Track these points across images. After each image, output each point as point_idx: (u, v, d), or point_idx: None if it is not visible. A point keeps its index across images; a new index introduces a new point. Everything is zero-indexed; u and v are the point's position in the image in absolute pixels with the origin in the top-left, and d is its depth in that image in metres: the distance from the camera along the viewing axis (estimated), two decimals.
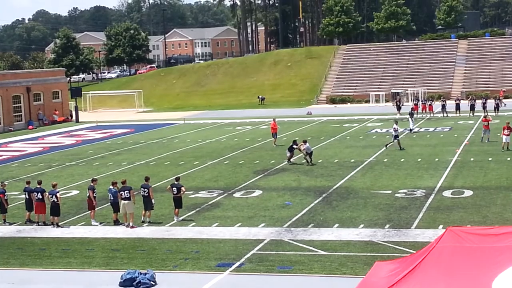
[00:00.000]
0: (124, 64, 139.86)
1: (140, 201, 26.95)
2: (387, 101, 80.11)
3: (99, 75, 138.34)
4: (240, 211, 27.75)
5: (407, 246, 21.46)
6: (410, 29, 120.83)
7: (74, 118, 78.06)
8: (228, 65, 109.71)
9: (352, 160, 39.27)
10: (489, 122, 44.67)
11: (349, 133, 52.80)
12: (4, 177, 38.36)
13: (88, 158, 46.01)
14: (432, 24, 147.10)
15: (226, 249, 22.40)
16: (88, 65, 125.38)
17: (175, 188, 26.51)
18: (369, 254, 20.96)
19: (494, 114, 59.10)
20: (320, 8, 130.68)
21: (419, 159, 38.50)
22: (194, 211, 27.99)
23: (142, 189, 26.56)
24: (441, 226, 23.49)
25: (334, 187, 31.81)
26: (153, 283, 19.31)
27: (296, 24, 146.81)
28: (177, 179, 27.38)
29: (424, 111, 64.17)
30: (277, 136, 47.99)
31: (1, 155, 50.03)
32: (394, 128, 42.97)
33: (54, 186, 27.04)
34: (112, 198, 26.55)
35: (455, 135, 48.46)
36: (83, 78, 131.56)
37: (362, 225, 24.52)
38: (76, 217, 28.14)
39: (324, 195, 29.98)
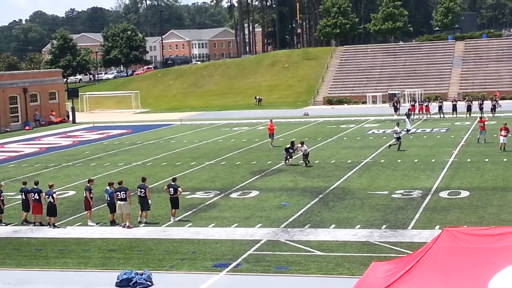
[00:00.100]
0: (121, 65, 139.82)
1: (136, 201, 26.91)
2: (384, 102, 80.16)
3: (96, 76, 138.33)
4: (237, 212, 27.75)
5: (403, 247, 21.47)
6: (407, 30, 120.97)
7: (70, 119, 78.02)
8: (225, 66, 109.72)
9: (349, 161, 39.29)
10: (485, 122, 44.72)
11: (346, 134, 52.82)
12: (1, 177, 38.31)
13: (85, 158, 45.97)
14: (429, 25, 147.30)
15: (222, 249, 22.39)
16: (85, 66, 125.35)
17: (172, 189, 26.50)
18: (365, 254, 20.97)
19: (490, 115, 59.20)
20: (317, 10, 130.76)
21: (415, 160, 38.53)
22: (190, 212, 27.98)
23: (139, 189, 26.55)
24: (437, 227, 23.51)
25: (331, 187, 31.82)
26: (150, 284, 19.29)
27: (293, 25, 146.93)
28: (174, 179, 27.37)
29: (421, 112, 64.25)
30: (274, 137, 48.03)
31: None
32: (395, 130, 43.05)
33: (50, 186, 26.99)
34: (108, 199, 26.53)
35: (452, 136, 48.51)
36: (80, 79, 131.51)
37: (358, 226, 24.53)
38: (73, 217, 28.12)
39: (320, 196, 29.99)
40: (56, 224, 26.58)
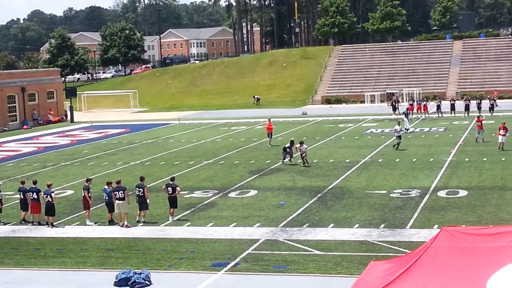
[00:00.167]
0: (119, 64, 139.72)
1: (135, 201, 26.89)
2: (382, 101, 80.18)
3: (94, 75, 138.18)
4: (235, 211, 27.75)
5: (402, 246, 21.49)
6: (405, 29, 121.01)
7: (69, 118, 77.94)
8: (224, 66, 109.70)
9: (347, 160, 39.30)
10: (482, 121, 44.78)
11: (344, 133, 52.84)
12: None
13: (83, 158, 45.95)
14: (427, 24, 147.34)
15: (221, 249, 22.39)
16: (83, 65, 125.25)
17: (170, 188, 26.50)
18: (364, 253, 20.98)
19: (489, 114, 59.28)
20: (316, 9, 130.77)
21: (414, 159, 38.55)
22: (189, 211, 27.98)
23: (137, 189, 26.54)
24: (436, 226, 23.53)
25: (329, 187, 31.83)
26: (148, 283, 19.29)
27: (292, 24, 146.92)
28: (172, 179, 27.38)
29: (419, 111, 64.28)
30: (272, 136, 48.03)
31: None
32: (396, 129, 43.11)
33: (49, 186, 26.99)
34: (107, 198, 26.53)
35: (450, 135, 48.55)
36: (78, 78, 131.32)
37: (357, 225, 24.54)
38: (71, 217, 28.11)
39: (319, 195, 30.00)
40: (54, 224, 26.58)
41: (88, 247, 23.46)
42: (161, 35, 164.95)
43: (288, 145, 39.10)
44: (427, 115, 63.45)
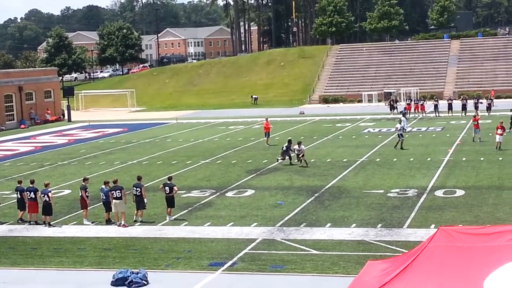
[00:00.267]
0: (117, 64, 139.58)
1: (132, 200, 26.85)
2: (379, 100, 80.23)
3: (92, 74, 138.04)
4: (233, 211, 27.75)
5: (399, 246, 21.50)
6: (403, 29, 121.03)
7: (66, 117, 77.88)
8: (221, 65, 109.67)
9: (345, 160, 39.31)
10: (478, 121, 44.85)
11: (342, 133, 52.86)
12: None
13: (81, 157, 45.92)
14: (424, 24, 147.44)
15: (218, 248, 22.39)
16: (81, 64, 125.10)
17: (168, 188, 26.48)
18: (361, 253, 20.99)
19: (486, 114, 59.35)
20: (313, 8, 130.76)
21: (411, 159, 38.57)
22: (186, 211, 27.97)
23: (135, 188, 26.52)
24: (433, 226, 23.54)
25: (327, 186, 31.83)
26: (145, 283, 19.28)
27: (289, 23, 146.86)
28: (170, 178, 27.35)
29: (416, 111, 64.34)
30: (270, 136, 48.00)
31: None
32: (397, 128, 43.14)
33: (46, 185, 26.97)
34: (104, 198, 26.51)
35: (447, 135, 48.58)
36: (76, 78, 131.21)
37: (354, 225, 24.55)
38: (68, 216, 28.09)
39: (316, 195, 30.00)
40: (51, 223, 26.56)
41: (85, 246, 23.45)
42: (159, 34, 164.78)
43: (286, 144, 38.88)
44: (424, 114, 63.50)
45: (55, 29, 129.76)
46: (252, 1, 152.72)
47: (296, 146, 38.10)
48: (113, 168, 40.49)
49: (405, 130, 50.52)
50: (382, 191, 30.18)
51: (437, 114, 62.25)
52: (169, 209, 26.59)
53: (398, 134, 43.02)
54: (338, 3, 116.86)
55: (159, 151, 46.77)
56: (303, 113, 71.58)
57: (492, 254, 14.48)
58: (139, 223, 26.19)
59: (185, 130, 60.71)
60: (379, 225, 24.34)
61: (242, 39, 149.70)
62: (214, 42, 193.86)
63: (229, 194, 31.20)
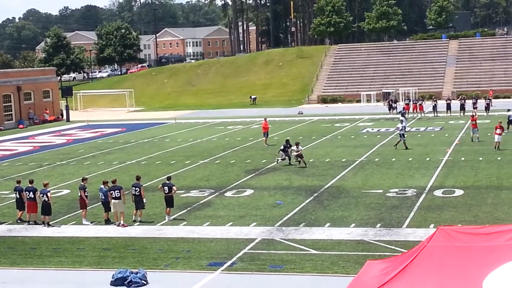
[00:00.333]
0: (115, 64, 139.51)
1: (131, 200, 26.84)
2: (378, 100, 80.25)
3: (90, 74, 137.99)
4: (232, 211, 27.75)
5: (398, 245, 21.51)
6: (401, 29, 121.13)
7: (65, 117, 77.86)
8: (219, 65, 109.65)
9: (344, 160, 39.32)
10: (476, 120, 44.93)
11: (340, 133, 52.87)
12: None
13: (79, 157, 45.90)
14: (423, 24, 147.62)
15: (217, 248, 22.39)
16: (79, 64, 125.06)
17: (167, 187, 26.47)
18: (360, 253, 21.00)
19: (485, 114, 59.42)
20: (312, 8, 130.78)
21: (410, 159, 38.59)
22: (185, 210, 27.97)
23: (133, 188, 26.50)
24: (432, 225, 23.56)
25: (326, 186, 31.84)
26: (145, 282, 19.28)
27: (288, 24, 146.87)
28: (169, 178, 27.35)
29: (415, 111, 64.38)
30: (268, 136, 48.00)
31: None
32: (398, 127, 43.09)
33: (45, 185, 26.96)
34: (103, 198, 26.51)
35: (446, 135, 48.61)
36: (74, 77, 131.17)
37: (353, 224, 24.56)
38: (67, 216, 28.08)
39: (315, 195, 30.01)
40: (50, 223, 26.55)
41: (84, 246, 23.44)
42: (157, 34, 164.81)
43: (284, 144, 38.75)
44: (423, 114, 63.54)
45: (53, 29, 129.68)
46: (251, 1, 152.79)
47: (294, 147, 37.99)
48: (111, 168, 40.48)
49: (398, 128, 50.62)
50: (381, 191, 30.20)
51: (435, 114, 62.29)
52: (168, 209, 26.58)
53: (400, 134, 43.00)
54: (337, 3, 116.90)
55: (158, 151, 46.76)
56: (302, 113, 71.58)
57: (491, 254, 14.49)
58: (138, 223, 26.19)
59: (183, 130, 60.70)
60: (378, 225, 24.35)
61: (241, 39, 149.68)
62: (212, 42, 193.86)
63: (228, 194, 31.21)
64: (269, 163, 39.16)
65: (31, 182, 27.62)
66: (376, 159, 39.02)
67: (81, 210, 27.08)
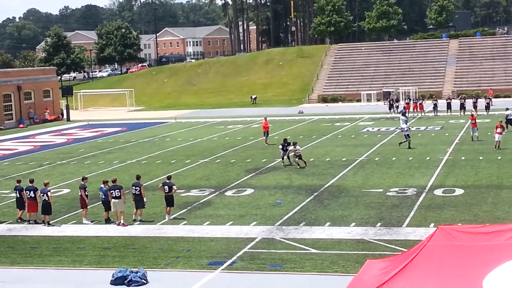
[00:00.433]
0: (115, 63, 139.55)
1: (131, 199, 26.84)
2: (378, 100, 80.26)
3: (90, 73, 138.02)
4: (232, 210, 27.75)
5: (398, 245, 21.51)
6: (402, 28, 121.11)
7: (65, 116, 77.88)
8: (220, 64, 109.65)
9: (344, 159, 39.32)
10: (476, 119, 44.97)
11: (341, 132, 52.86)
12: None
13: (79, 156, 45.90)
14: (423, 23, 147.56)
15: (217, 247, 22.39)
16: (79, 63, 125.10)
17: (167, 187, 26.47)
18: (360, 252, 21.00)
19: (485, 113, 59.43)
20: (312, 8, 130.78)
21: (410, 158, 38.59)
22: (185, 210, 27.97)
23: (134, 187, 26.50)
24: (432, 225, 23.55)
25: (326, 185, 31.84)
26: (145, 282, 19.28)
27: (288, 23, 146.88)
28: (169, 177, 27.36)
29: (415, 110, 64.38)
30: (269, 135, 48.00)
31: None
32: (403, 128, 43.00)
33: (46, 184, 26.97)
34: (103, 197, 26.51)
35: (446, 134, 48.61)
36: (74, 77, 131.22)
37: (353, 224, 24.56)
38: (67, 215, 28.09)
39: (315, 194, 30.01)
40: (50, 222, 26.55)
41: (84, 245, 23.45)
42: (157, 34, 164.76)
43: (282, 143, 38.52)
44: (423, 114, 63.55)
45: (53, 29, 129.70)
46: (251, 1, 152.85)
47: (291, 147, 37.74)
48: (112, 167, 40.49)
49: (403, 129, 50.62)
50: (381, 190, 30.19)
51: (436, 114, 62.29)
52: (168, 208, 26.58)
53: (405, 135, 42.94)
54: (337, 2, 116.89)
55: (158, 151, 46.77)
56: (302, 113, 71.58)
57: (492, 253, 14.48)
58: (138, 222, 26.19)
59: (184, 129, 60.71)
60: (379, 224, 24.35)
61: (241, 38, 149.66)
62: (212, 41, 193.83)
63: (228, 193, 31.21)
64: (269, 163, 39.16)
65: (31, 181, 27.63)
66: (376, 159, 39.02)
67: (82, 210, 27.08)
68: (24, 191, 27.24)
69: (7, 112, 72.51)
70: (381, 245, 21.71)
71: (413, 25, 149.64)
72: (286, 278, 19.27)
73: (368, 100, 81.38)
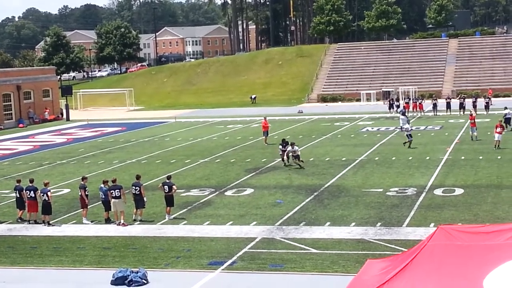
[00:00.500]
0: (115, 63, 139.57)
1: (131, 199, 26.84)
2: (378, 99, 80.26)
3: (90, 73, 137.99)
4: (232, 210, 27.76)
5: (398, 244, 21.52)
6: (401, 28, 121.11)
7: (64, 116, 77.85)
8: (219, 64, 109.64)
9: (343, 159, 39.33)
10: (475, 119, 45.00)
11: (340, 132, 52.87)
12: None
13: (79, 156, 45.90)
14: (422, 23, 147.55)
15: (217, 247, 22.40)
16: (79, 63, 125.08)
17: (167, 186, 26.47)
18: (360, 252, 21.01)
19: (484, 113, 59.44)
20: (311, 7, 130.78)
21: (410, 158, 38.59)
22: (185, 210, 27.97)
23: (134, 187, 26.50)
24: (432, 224, 23.56)
25: (326, 185, 31.85)
26: (145, 282, 19.28)
27: (287, 22, 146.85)
28: (169, 177, 27.36)
29: (414, 109, 64.39)
30: (268, 135, 48.01)
31: None
32: (407, 128, 43.04)
33: (46, 184, 26.97)
34: (103, 197, 26.52)
35: (446, 134, 48.62)
36: (74, 77, 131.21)
37: (353, 223, 24.57)
38: (67, 215, 28.09)
39: (315, 194, 30.02)
40: (50, 222, 26.55)
41: (84, 245, 23.45)
42: (157, 33, 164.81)
43: (281, 143, 38.47)
44: (423, 113, 63.56)
45: (53, 28, 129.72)
46: (250, 0, 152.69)
47: (289, 148, 37.55)
48: (112, 167, 40.49)
49: (402, 129, 50.61)
50: (381, 190, 30.20)
51: (435, 113, 62.30)
52: (168, 208, 26.59)
53: (407, 135, 42.94)
54: (336, 2, 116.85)
55: (158, 150, 46.77)
56: (302, 112, 71.59)
57: (492, 253, 14.49)
58: (138, 222, 26.20)
59: (183, 129, 60.71)
60: (379, 223, 24.36)
61: (240, 38, 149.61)
62: (212, 41, 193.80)
63: (228, 193, 31.22)
64: (269, 162, 39.17)
65: (31, 181, 27.63)
66: (376, 158, 39.03)
67: (82, 209, 27.08)
68: (24, 191, 27.25)
69: (6, 112, 72.49)
70: (381, 245, 21.72)
71: (412, 25, 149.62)
72: (286, 278, 19.28)
73: (368, 99, 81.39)
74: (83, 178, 27.80)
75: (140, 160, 42.91)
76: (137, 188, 26.37)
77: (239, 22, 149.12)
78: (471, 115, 46.31)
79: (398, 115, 55.25)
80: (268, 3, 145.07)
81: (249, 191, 31.32)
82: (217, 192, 31.30)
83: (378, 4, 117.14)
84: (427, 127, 53.55)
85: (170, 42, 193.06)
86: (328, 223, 24.83)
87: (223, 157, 42.38)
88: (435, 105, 63.01)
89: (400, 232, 23.27)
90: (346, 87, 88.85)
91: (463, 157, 38.01)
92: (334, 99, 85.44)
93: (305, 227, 24.44)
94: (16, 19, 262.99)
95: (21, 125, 71.83)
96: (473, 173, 33.33)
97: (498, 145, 40.18)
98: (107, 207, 26.39)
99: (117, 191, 25.93)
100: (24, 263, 21.84)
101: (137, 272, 19.44)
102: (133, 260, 21.37)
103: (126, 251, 22.58)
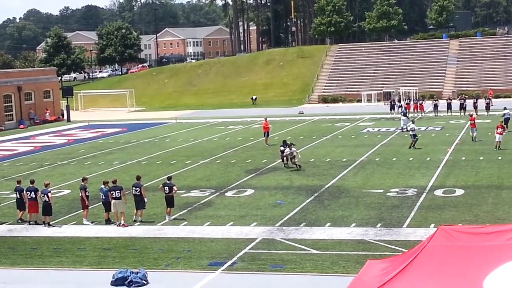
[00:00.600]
0: (116, 64, 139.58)
1: (132, 200, 26.85)
2: (378, 100, 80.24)
3: (91, 74, 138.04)
4: (232, 210, 27.75)
5: (398, 245, 21.50)
6: (402, 28, 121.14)
7: (65, 117, 77.88)
8: (220, 65, 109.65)
9: (344, 159, 39.32)
10: (474, 120, 45.01)
11: (341, 133, 52.86)
12: None
13: (80, 157, 45.90)
14: (423, 23, 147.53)
15: (218, 248, 22.39)
16: (80, 64, 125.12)
17: (167, 187, 26.47)
18: (361, 252, 21.00)
19: (485, 113, 59.42)
20: (312, 8, 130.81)
21: (410, 158, 38.58)
22: (186, 210, 27.97)
23: (134, 188, 26.50)
24: (432, 225, 23.55)
25: (326, 186, 31.84)
26: (145, 282, 19.28)
27: (288, 23, 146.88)
28: (169, 178, 27.35)
29: (415, 110, 64.38)
30: (269, 135, 47.99)
31: None
32: (412, 128, 43.07)
33: (46, 185, 26.97)
34: (103, 197, 26.51)
35: (447, 134, 48.61)
36: (75, 78, 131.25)
37: (354, 224, 24.56)
38: (68, 216, 28.08)
39: (316, 194, 30.01)
40: (51, 223, 26.55)
41: (84, 246, 23.45)
42: (158, 34, 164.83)
43: (282, 144, 38.42)
44: (423, 114, 63.54)
45: (54, 29, 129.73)
46: (251, 1, 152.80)
47: (287, 149, 37.28)
48: (112, 168, 40.49)
49: (403, 130, 50.65)
50: (381, 190, 30.19)
51: (436, 114, 62.28)
52: (168, 209, 26.58)
53: (411, 135, 42.90)
54: (337, 3, 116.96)
55: (158, 151, 46.77)
56: (302, 113, 71.57)
57: (492, 253, 14.48)
58: (138, 223, 26.19)
59: (184, 130, 60.71)
60: (379, 224, 24.35)
61: (241, 39, 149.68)
62: (213, 42, 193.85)
63: (229, 193, 31.21)
64: (269, 163, 39.16)
65: (32, 182, 27.63)
66: (377, 159, 39.02)
67: (82, 210, 27.08)
68: (24, 192, 27.25)
69: (7, 113, 72.50)
70: (381, 246, 21.71)
71: (413, 25, 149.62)
72: (287, 278, 19.27)
73: (369, 100, 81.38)
74: (84, 179, 27.81)
75: (141, 161, 42.91)
76: (137, 189, 26.37)
77: (240, 23, 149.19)
78: (471, 116, 46.31)
79: (399, 115, 55.21)
80: (269, 4, 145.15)
81: (249, 192, 31.32)
82: (217, 193, 31.29)
83: (379, 5, 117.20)
84: (427, 128, 53.51)
85: (171, 43, 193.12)
86: (329, 223, 24.82)
87: (223, 158, 42.38)
88: (436, 106, 62.99)
89: (400, 232, 23.25)
90: (347, 88, 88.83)
91: (463, 158, 37.99)
92: (335, 100, 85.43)
93: (305, 227, 24.44)
94: (17, 20, 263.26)
95: (21, 126, 71.85)
96: (474, 173, 33.31)
97: (499, 146, 40.16)
98: (108, 208, 26.38)
99: (118, 192, 25.93)
100: (24, 264, 21.83)
101: (137, 273, 19.43)
102: (133, 261, 21.36)
103: (126, 251, 22.57)
